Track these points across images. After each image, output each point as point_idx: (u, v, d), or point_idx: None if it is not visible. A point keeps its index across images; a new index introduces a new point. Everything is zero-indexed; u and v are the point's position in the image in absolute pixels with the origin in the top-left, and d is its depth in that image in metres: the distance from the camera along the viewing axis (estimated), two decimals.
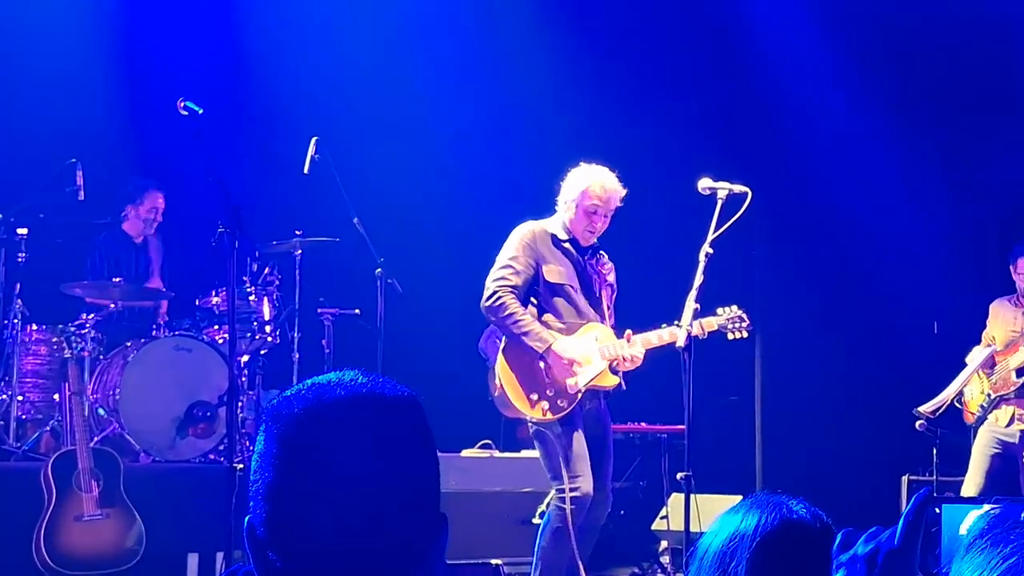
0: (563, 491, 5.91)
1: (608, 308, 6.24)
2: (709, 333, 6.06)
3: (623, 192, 6.16)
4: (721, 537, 2.06)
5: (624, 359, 6.01)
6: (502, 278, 6.08)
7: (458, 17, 10.10)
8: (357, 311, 8.78)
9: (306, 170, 8.07)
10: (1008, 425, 7.30)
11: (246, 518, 1.65)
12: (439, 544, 1.65)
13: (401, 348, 8.38)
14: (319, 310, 8.69)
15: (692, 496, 5.69)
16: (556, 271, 6.11)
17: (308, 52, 9.87)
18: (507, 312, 6.01)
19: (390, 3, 9.97)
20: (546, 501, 7.62)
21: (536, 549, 6.06)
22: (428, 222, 9.92)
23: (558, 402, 5.99)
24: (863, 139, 9.69)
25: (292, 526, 1.60)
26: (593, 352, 6.05)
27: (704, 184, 5.99)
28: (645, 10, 10.09)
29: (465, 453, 8.16)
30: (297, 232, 8.45)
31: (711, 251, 5.82)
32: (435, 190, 9.99)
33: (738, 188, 5.94)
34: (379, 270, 8.29)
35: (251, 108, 9.59)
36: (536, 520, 7.64)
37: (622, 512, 8.46)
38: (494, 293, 6.05)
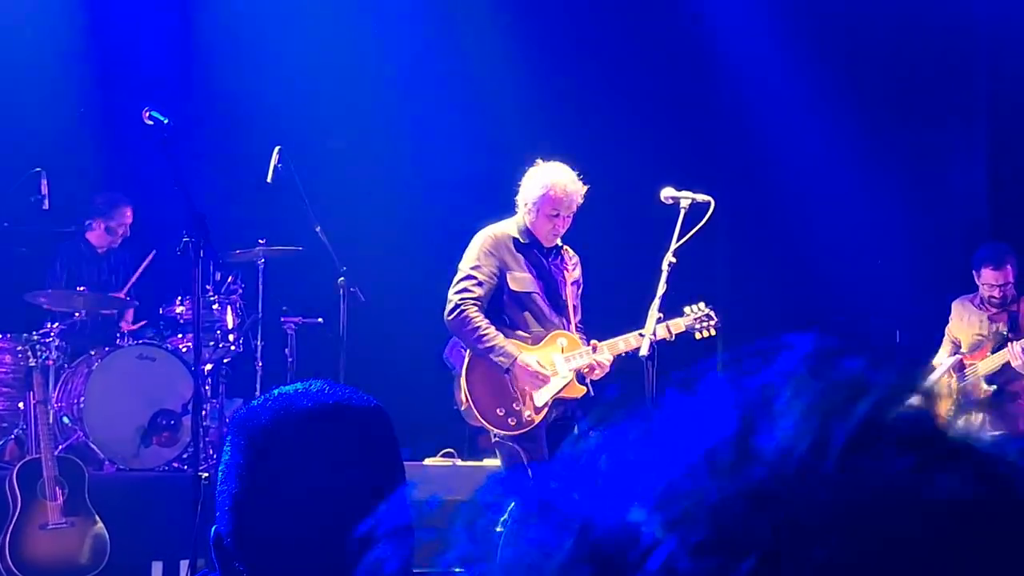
0: None
1: (574, 308, 6.18)
2: (677, 335, 6.03)
3: (584, 190, 6.06)
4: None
5: (591, 367, 5.96)
6: (464, 290, 6.01)
7: (419, 25, 10.12)
8: (320, 320, 8.77)
9: (269, 179, 8.07)
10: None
11: (212, 528, 1.68)
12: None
13: (364, 357, 8.38)
14: (282, 319, 8.67)
15: None
16: (520, 278, 6.03)
17: (270, 61, 9.85)
18: (470, 326, 5.95)
19: (352, 12, 9.98)
20: (507, 511, 7.67)
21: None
22: (391, 231, 9.92)
23: (524, 415, 5.95)
24: (823, 145, 9.74)
25: (258, 536, 1.62)
26: (559, 362, 6.00)
27: (667, 193, 5.97)
28: (606, 17, 10.13)
29: (428, 462, 8.16)
30: (260, 241, 8.43)
31: (674, 260, 5.80)
32: (397, 199, 10.00)
33: (701, 197, 5.93)
34: (342, 279, 8.29)
35: (213, 117, 9.58)
36: (499, 528, 7.68)
37: None
38: (457, 307, 5.99)
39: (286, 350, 8.60)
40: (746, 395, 0.67)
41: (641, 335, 5.82)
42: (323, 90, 9.90)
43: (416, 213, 9.98)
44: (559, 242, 6.19)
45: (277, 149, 8.09)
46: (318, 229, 8.24)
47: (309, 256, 8.47)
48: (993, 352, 7.30)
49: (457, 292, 6.02)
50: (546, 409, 5.95)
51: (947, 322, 7.66)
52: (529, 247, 6.10)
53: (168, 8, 9.78)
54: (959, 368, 7.41)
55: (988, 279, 7.39)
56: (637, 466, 0.65)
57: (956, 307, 7.60)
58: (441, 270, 9.60)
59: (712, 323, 6.13)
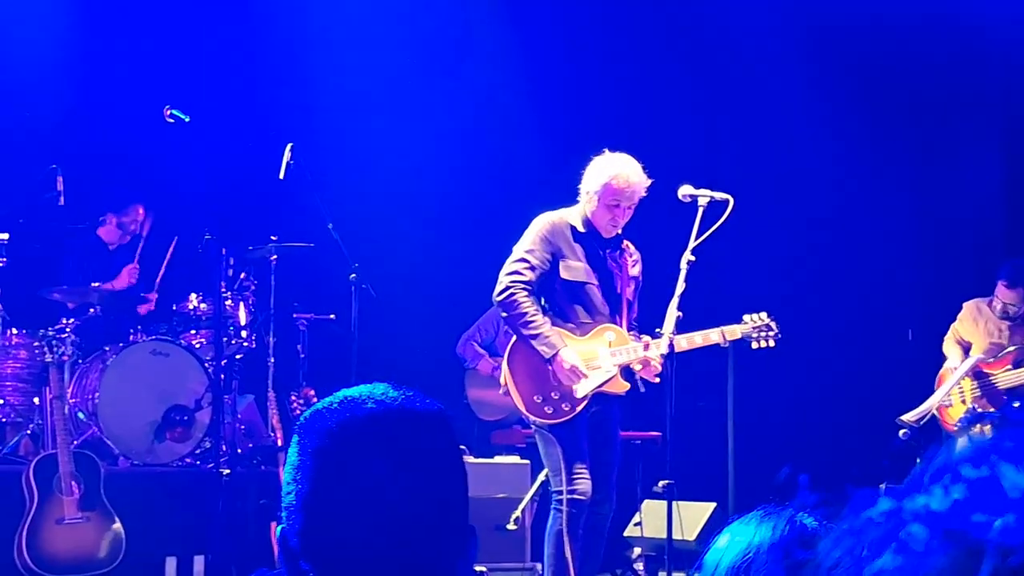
0: (560, 494, 5.81)
1: (628, 303, 6.04)
2: (732, 342, 5.97)
3: (648, 183, 5.92)
4: (733, 552, 2.03)
5: (643, 363, 5.84)
6: (516, 272, 5.88)
7: (434, 23, 10.13)
8: (332, 316, 8.80)
9: (281, 176, 8.09)
10: None
11: (279, 528, 1.71)
12: (468, 555, 1.70)
13: (375, 353, 8.41)
14: (294, 315, 8.71)
15: (666, 504, 5.70)
16: (573, 267, 5.92)
17: (284, 58, 9.88)
18: (518, 310, 5.83)
19: (365, 10, 10.00)
20: (520, 507, 7.69)
21: (544, 556, 5.95)
22: (402, 227, 9.94)
23: (562, 406, 5.85)
24: (835, 145, 9.76)
25: (324, 537, 1.64)
26: (604, 356, 5.89)
27: (685, 191, 5.96)
28: (623, 17, 10.15)
29: None
30: (272, 238, 8.45)
31: (693, 259, 5.78)
32: (409, 196, 10.02)
33: (719, 195, 5.91)
34: (353, 275, 8.31)
35: (227, 114, 9.59)
36: (511, 526, 7.70)
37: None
38: (506, 289, 5.87)
39: (298, 346, 8.64)
40: None
41: (659, 334, 5.78)
42: (335, 87, 9.92)
43: (428, 210, 10.01)
44: (620, 234, 6.06)
45: (289, 146, 8.11)
46: (330, 226, 8.26)
47: (321, 252, 8.49)
48: (1016, 366, 7.31)
49: (508, 274, 5.90)
50: (585, 402, 5.83)
51: (951, 318, 7.67)
52: (588, 237, 5.97)
53: (185, 6, 9.79)
54: (977, 375, 7.42)
55: (1000, 294, 7.46)
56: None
57: (970, 308, 7.59)
58: (452, 267, 9.69)
59: (771, 334, 6.01)
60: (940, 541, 0.66)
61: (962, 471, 0.69)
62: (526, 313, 5.82)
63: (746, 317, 6.05)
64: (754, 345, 6.06)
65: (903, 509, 0.69)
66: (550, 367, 5.81)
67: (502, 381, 6.04)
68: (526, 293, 5.86)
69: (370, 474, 1.64)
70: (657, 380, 5.89)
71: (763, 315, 6.06)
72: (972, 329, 7.53)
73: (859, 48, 9.72)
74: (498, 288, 5.90)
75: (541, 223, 5.98)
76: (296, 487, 1.68)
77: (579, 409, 5.85)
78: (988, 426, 7.29)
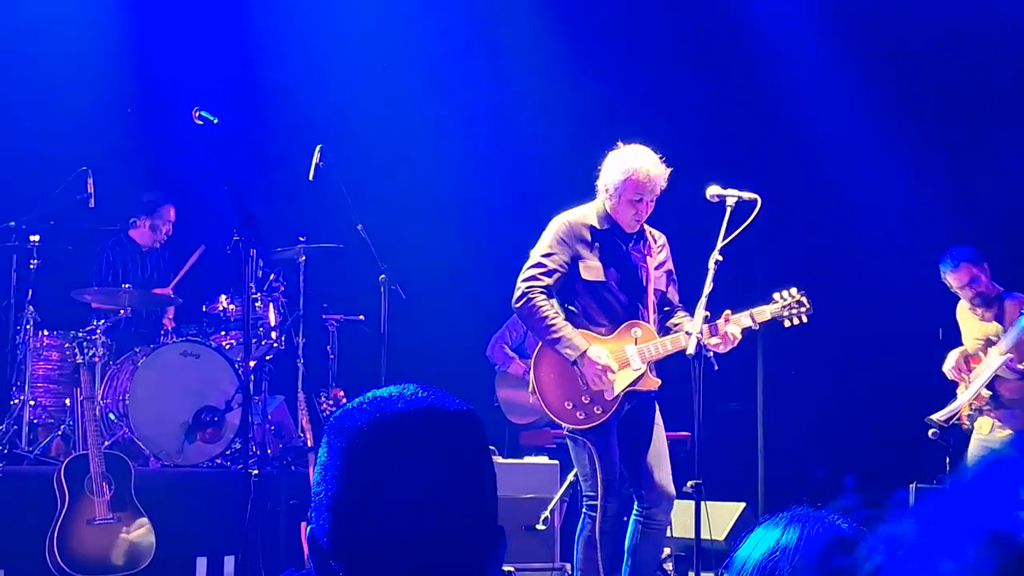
0: (593, 499, 5.73)
1: (655, 294, 5.90)
2: (762, 324, 5.84)
3: (667, 172, 5.79)
4: (761, 550, 2.04)
5: (723, 337, 5.68)
6: (533, 278, 5.77)
7: (462, 25, 10.14)
8: (361, 317, 8.82)
9: (311, 177, 8.12)
10: (990, 432, 7.32)
11: (308, 528, 1.71)
12: (497, 555, 1.69)
13: (405, 354, 8.42)
14: (323, 316, 8.73)
15: (694, 504, 5.67)
16: (594, 267, 5.79)
17: (312, 59, 9.92)
18: (538, 315, 5.72)
19: (394, 10, 10.02)
20: (549, 508, 7.69)
21: (574, 560, 5.88)
22: (431, 229, 9.96)
23: (594, 410, 5.73)
24: (868, 144, 9.72)
25: (354, 537, 1.64)
26: (632, 354, 5.78)
27: (712, 191, 5.88)
28: (649, 16, 10.13)
29: None
30: (301, 239, 8.48)
31: (721, 258, 5.70)
32: (439, 197, 10.04)
33: (747, 195, 5.83)
34: (383, 276, 8.33)
35: (256, 115, 9.64)
36: (540, 526, 7.70)
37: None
38: (524, 295, 5.75)
39: (328, 347, 8.66)
40: None
41: (688, 334, 5.72)
42: (365, 88, 9.94)
43: (457, 211, 10.03)
44: (644, 226, 5.94)
45: (319, 147, 8.14)
46: (359, 227, 8.28)
47: (350, 254, 8.52)
48: (988, 345, 7.32)
49: (525, 280, 5.79)
50: (617, 403, 5.74)
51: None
52: (608, 233, 5.84)
53: (214, 8, 9.84)
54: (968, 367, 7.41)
55: (948, 281, 7.43)
56: None
57: (960, 309, 7.58)
58: (481, 268, 9.69)
59: (804, 310, 5.88)
60: (988, 545, 0.66)
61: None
62: (546, 317, 5.71)
63: (776, 295, 5.93)
64: (787, 324, 5.92)
65: (947, 514, 0.68)
66: (578, 370, 5.71)
67: (530, 389, 5.94)
68: (544, 297, 5.75)
69: (399, 474, 1.64)
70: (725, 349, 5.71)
71: (793, 291, 5.92)
72: (964, 329, 7.51)
73: (894, 43, 9.67)
74: (516, 295, 5.80)
75: (557, 225, 5.87)
76: (325, 487, 1.68)
77: (611, 411, 5.74)
78: (984, 419, 7.24)
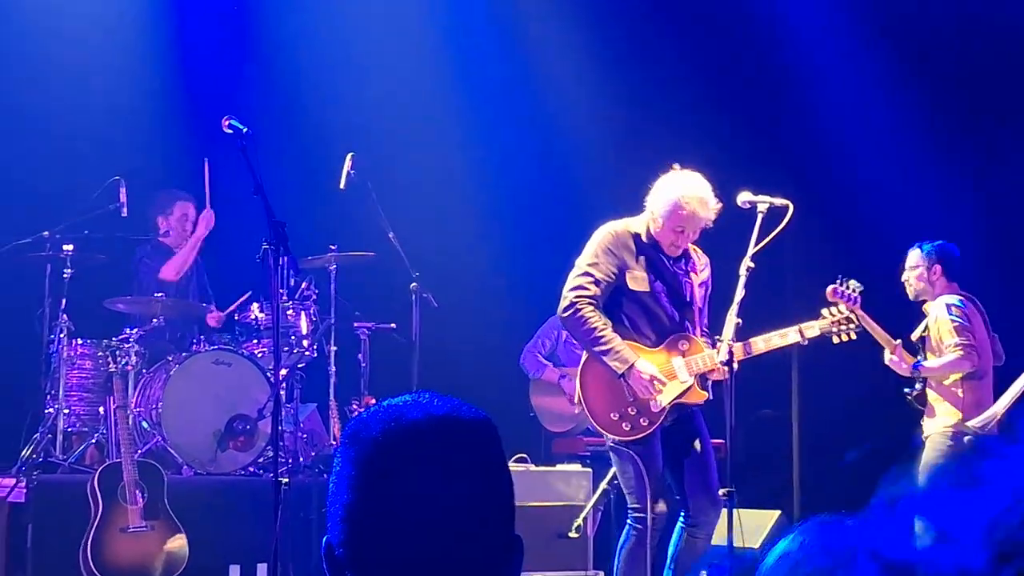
0: (637, 510, 5.68)
1: (699, 310, 5.88)
2: (811, 340, 5.84)
3: (717, 209, 5.74)
4: (769, 560, 2.04)
5: (715, 370, 5.68)
6: (580, 287, 5.70)
7: (495, 34, 10.14)
8: (392, 325, 8.83)
9: (342, 185, 8.13)
10: None
11: (324, 538, 1.70)
12: (514, 565, 1.68)
13: (437, 362, 8.42)
14: (355, 324, 8.74)
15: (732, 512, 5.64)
16: (640, 278, 5.73)
17: (343, 67, 9.93)
18: (586, 326, 5.66)
19: (426, 20, 10.02)
20: (582, 516, 7.66)
21: (615, 571, 5.84)
22: (463, 236, 9.95)
23: (640, 421, 5.67)
24: (899, 149, 9.65)
25: (370, 547, 1.63)
26: (679, 366, 5.73)
27: (744, 198, 5.87)
28: (679, 22, 10.10)
29: None
30: (332, 247, 8.49)
31: (752, 265, 5.69)
32: (470, 204, 10.03)
33: (779, 201, 5.82)
34: (414, 284, 8.34)
35: (288, 124, 9.66)
36: (573, 534, 7.67)
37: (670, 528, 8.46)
38: (572, 304, 5.67)
39: (359, 355, 8.66)
40: None
41: (719, 341, 5.68)
42: (396, 96, 9.95)
43: (489, 218, 10.01)
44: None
45: (350, 155, 8.16)
46: (391, 235, 8.29)
47: (382, 262, 8.52)
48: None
49: (572, 289, 5.71)
50: (663, 415, 5.69)
51: (1020, 322, 7.57)
52: (653, 247, 5.80)
53: (244, 18, 9.88)
54: None
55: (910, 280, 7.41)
56: (954, 508, 0.65)
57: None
58: (513, 275, 9.68)
59: (852, 327, 5.89)
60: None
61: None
62: (595, 328, 5.64)
63: (824, 311, 5.92)
64: (835, 340, 5.92)
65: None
66: (625, 382, 5.65)
67: (576, 400, 5.90)
68: (592, 308, 5.68)
69: (415, 483, 1.63)
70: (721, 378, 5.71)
71: (842, 307, 5.94)
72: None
73: (919, 42, 9.59)
74: (563, 304, 5.73)
75: (603, 234, 5.81)
76: (340, 497, 1.67)
77: (657, 423, 5.69)
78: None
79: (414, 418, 1.67)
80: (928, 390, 7.24)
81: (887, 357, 7.19)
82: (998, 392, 7.32)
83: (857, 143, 9.74)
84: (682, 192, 5.69)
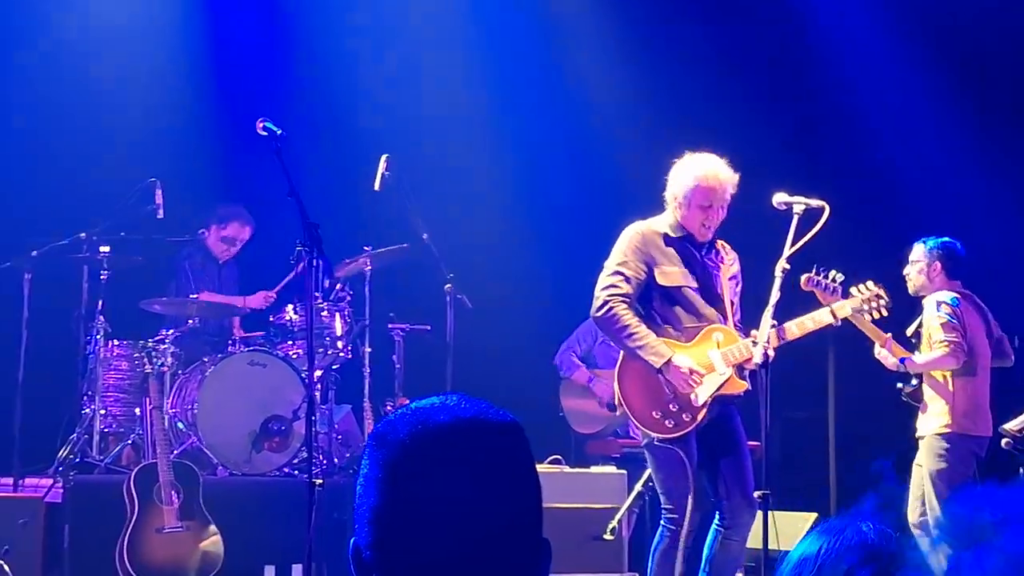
0: (670, 511, 5.65)
1: (732, 304, 5.85)
2: (843, 320, 5.81)
3: (736, 178, 5.79)
4: (790, 563, 2.03)
5: (751, 358, 5.63)
6: (612, 286, 5.71)
7: (529, 35, 10.14)
8: (427, 327, 8.83)
9: (377, 187, 8.14)
10: None
11: (351, 540, 1.69)
12: (542, 568, 1.67)
13: (471, 363, 8.41)
14: (389, 325, 8.75)
15: (767, 514, 5.60)
16: (669, 273, 5.75)
17: (378, 69, 9.96)
18: (619, 324, 5.66)
19: (461, 22, 10.03)
20: (616, 518, 7.63)
21: (648, 573, 5.80)
22: (497, 237, 9.95)
23: (682, 417, 5.64)
24: (938, 150, 9.59)
25: (397, 549, 1.62)
26: (716, 358, 5.71)
27: (779, 199, 5.83)
28: (713, 21, 10.07)
29: None
30: (366, 248, 8.50)
31: (788, 267, 5.65)
32: (504, 205, 10.03)
33: (815, 202, 5.76)
34: (449, 286, 8.35)
35: (321, 126, 9.69)
36: (608, 536, 7.64)
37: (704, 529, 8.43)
38: (605, 303, 5.68)
39: (394, 356, 8.67)
40: None
41: (754, 343, 5.65)
42: (431, 97, 9.96)
43: (523, 219, 10.01)
44: (713, 237, 5.90)
45: (385, 157, 8.16)
46: (425, 236, 8.30)
47: (416, 263, 8.53)
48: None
49: (604, 289, 5.72)
50: (705, 409, 5.65)
51: None
52: (681, 241, 5.81)
53: (278, 20, 9.92)
54: None
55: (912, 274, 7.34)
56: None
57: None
58: (548, 276, 9.67)
59: (883, 303, 5.90)
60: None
61: None
62: (628, 326, 5.65)
63: (853, 289, 5.90)
64: (867, 317, 5.95)
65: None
66: (663, 378, 5.63)
67: (616, 402, 5.85)
68: (625, 306, 5.68)
69: (441, 486, 1.62)
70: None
71: (871, 284, 5.93)
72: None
73: (960, 45, 9.52)
74: (595, 304, 5.73)
75: (630, 233, 5.84)
76: (367, 499, 1.66)
77: (699, 417, 5.66)
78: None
79: (442, 421, 1.66)
80: (924, 386, 7.17)
81: (876, 351, 7.13)
82: (994, 391, 7.26)
83: (895, 144, 9.68)
84: (699, 167, 5.78)
